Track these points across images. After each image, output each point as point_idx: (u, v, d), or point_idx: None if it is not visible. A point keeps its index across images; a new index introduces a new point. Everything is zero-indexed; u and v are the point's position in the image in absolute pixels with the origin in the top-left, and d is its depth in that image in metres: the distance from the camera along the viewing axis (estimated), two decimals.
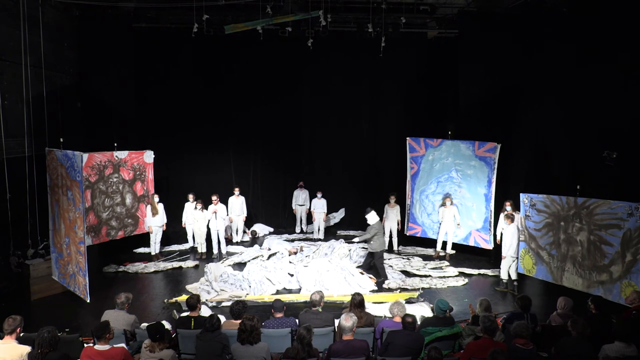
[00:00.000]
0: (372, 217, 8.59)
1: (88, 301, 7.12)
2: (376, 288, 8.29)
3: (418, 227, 10.51)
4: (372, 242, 8.58)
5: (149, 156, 9.50)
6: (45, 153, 7.86)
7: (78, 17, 10.09)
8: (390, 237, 10.47)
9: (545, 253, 8.00)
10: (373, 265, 8.92)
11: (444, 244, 10.05)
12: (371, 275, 8.58)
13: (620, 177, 7.69)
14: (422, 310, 7.06)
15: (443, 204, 9.92)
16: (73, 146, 7.59)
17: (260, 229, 11.80)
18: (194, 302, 5.43)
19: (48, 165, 7.75)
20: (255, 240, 11.30)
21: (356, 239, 9.46)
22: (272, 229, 11.94)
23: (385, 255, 10.05)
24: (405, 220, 10.54)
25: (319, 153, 12.39)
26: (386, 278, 8.62)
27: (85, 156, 7.71)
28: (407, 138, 10.40)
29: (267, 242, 10.62)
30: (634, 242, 6.67)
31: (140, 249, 10.23)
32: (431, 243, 10.35)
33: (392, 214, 10.33)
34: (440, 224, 10.01)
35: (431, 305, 7.14)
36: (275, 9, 9.39)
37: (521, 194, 8.40)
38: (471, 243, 9.95)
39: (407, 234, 10.53)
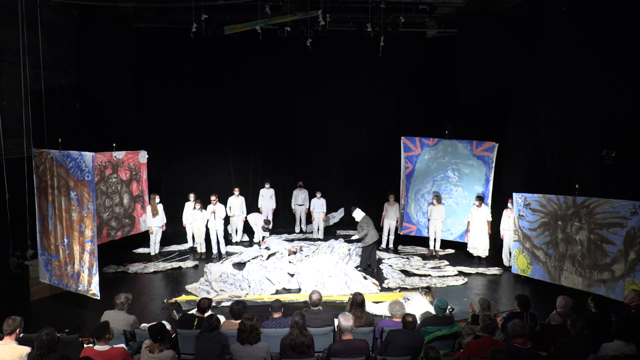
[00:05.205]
0: (358, 214, 9.14)
1: (99, 298, 7.08)
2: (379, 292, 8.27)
3: (413, 226, 10.53)
4: (365, 237, 9.01)
5: (143, 156, 9.53)
6: (33, 154, 7.61)
7: (77, 17, 10.08)
8: (388, 234, 10.53)
9: (542, 252, 7.99)
10: (369, 265, 9.14)
11: (435, 242, 10.17)
12: (375, 281, 8.56)
13: (620, 175, 7.69)
14: (420, 304, 7.08)
15: (432, 203, 9.99)
16: (72, 147, 7.57)
17: (258, 217, 11.55)
18: (206, 306, 5.45)
19: (37, 166, 7.54)
20: (268, 229, 11.05)
21: (354, 237, 9.62)
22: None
23: (385, 254, 10.14)
24: (400, 219, 10.56)
25: (318, 153, 12.38)
26: (376, 267, 9.19)
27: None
28: (402, 137, 10.40)
29: (267, 242, 10.62)
30: (638, 241, 6.67)
31: (139, 249, 10.23)
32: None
33: (392, 212, 10.39)
34: (429, 221, 10.13)
35: (423, 292, 7.32)
36: (274, 9, 9.38)
37: (514, 194, 8.40)
38: (466, 240, 9.99)
39: (401, 233, 10.57)
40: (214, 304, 7.49)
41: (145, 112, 11.41)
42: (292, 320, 4.66)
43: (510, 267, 8.96)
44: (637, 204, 6.64)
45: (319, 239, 11.19)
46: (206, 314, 5.42)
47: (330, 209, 11.81)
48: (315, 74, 11.98)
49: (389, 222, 10.47)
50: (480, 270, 9.19)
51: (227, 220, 10.65)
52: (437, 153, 10.16)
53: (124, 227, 9.18)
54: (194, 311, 5.74)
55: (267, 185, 11.52)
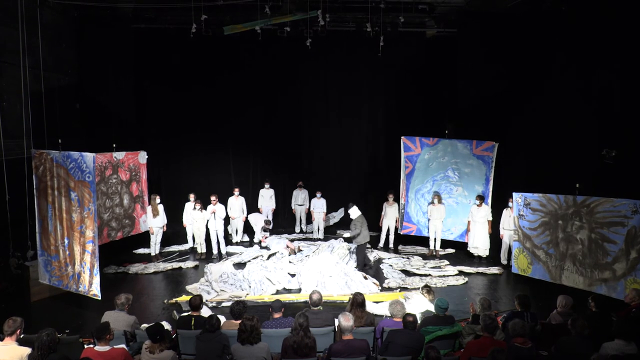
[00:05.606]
0: (354, 212, 9.17)
1: (100, 299, 7.08)
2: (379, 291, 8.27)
3: (413, 225, 10.53)
4: (357, 236, 9.07)
5: (142, 157, 9.54)
6: (32, 155, 7.58)
7: (77, 18, 10.08)
8: (387, 234, 10.53)
9: (542, 252, 7.97)
10: (366, 264, 9.19)
11: (436, 241, 10.17)
12: (375, 281, 8.56)
13: (620, 175, 7.68)
14: (420, 303, 7.08)
15: (432, 202, 10.00)
16: (72, 147, 7.57)
17: (259, 217, 11.47)
18: (198, 303, 5.44)
19: (37, 166, 7.51)
20: (269, 229, 11.01)
21: (345, 235, 9.60)
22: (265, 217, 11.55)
23: (385, 254, 10.15)
24: (400, 219, 10.57)
25: (318, 153, 12.38)
26: (371, 266, 9.29)
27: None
28: (402, 137, 10.40)
29: (267, 242, 10.61)
30: (639, 240, 6.66)
31: (140, 249, 10.22)
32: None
33: (391, 212, 10.39)
34: (429, 221, 10.14)
35: (424, 291, 7.38)
36: (274, 9, 9.38)
37: (514, 194, 8.40)
38: (467, 240, 10.00)
39: (402, 233, 10.58)
40: (214, 304, 7.52)
41: (145, 112, 11.42)
42: (295, 322, 4.63)
43: (508, 265, 8.96)
44: (638, 203, 6.64)
45: (319, 239, 11.19)
46: (201, 312, 5.42)
47: (330, 209, 11.80)
48: (315, 74, 11.99)
49: (388, 222, 10.47)
50: (481, 269, 9.20)
51: (227, 220, 10.64)
52: (437, 153, 10.16)
53: (124, 227, 9.19)
54: (189, 312, 5.74)
55: (267, 186, 11.52)
